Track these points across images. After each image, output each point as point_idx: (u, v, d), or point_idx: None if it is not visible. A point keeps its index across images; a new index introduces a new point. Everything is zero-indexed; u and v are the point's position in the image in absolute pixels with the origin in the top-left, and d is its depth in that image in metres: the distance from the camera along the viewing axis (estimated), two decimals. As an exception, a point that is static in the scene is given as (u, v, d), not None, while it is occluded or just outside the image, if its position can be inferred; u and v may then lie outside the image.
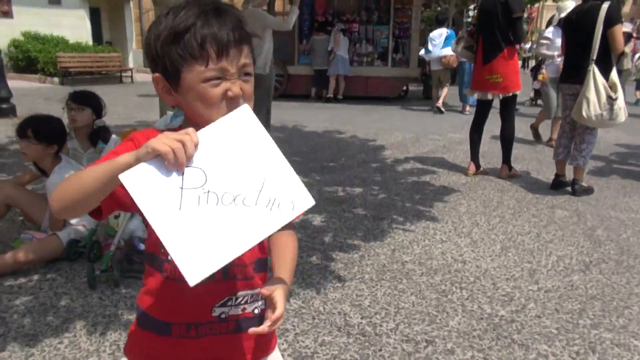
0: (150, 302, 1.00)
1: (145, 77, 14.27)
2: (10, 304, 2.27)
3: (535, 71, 9.94)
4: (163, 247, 0.76)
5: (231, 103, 0.89)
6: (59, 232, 2.72)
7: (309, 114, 8.59)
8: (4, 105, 7.24)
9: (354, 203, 3.90)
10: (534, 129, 6.50)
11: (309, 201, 0.80)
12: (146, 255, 1.02)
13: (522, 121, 6.87)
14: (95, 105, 3.13)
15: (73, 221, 2.77)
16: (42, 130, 2.73)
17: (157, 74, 0.91)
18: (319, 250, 3.00)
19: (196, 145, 0.77)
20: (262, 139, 0.81)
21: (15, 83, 9.73)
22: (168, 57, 0.87)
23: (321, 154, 5.58)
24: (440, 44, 9.20)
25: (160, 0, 3.52)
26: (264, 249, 1.04)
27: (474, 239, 3.26)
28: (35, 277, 2.54)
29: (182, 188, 0.74)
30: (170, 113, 3.03)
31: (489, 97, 4.59)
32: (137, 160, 0.76)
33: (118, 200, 0.87)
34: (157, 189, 0.74)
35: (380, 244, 3.12)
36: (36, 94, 10.07)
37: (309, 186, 4.29)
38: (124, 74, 14.46)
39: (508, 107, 4.65)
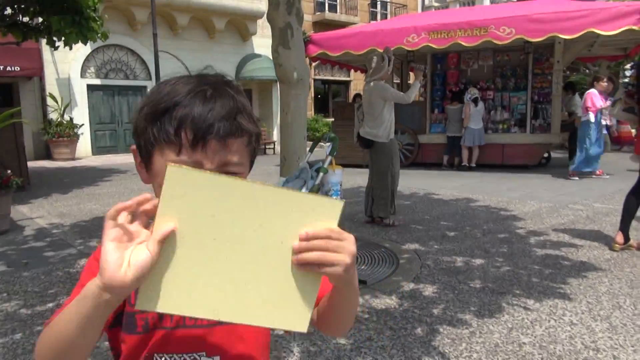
0: None
1: (286, 148, 15.44)
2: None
3: None
4: None
5: None
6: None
7: (439, 181, 8.41)
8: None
9: (471, 275, 3.64)
10: None
11: (301, 326, 0.66)
12: None
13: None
14: None
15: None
16: None
17: (133, 147, 0.82)
18: (425, 322, 2.82)
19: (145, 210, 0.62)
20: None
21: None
22: (143, 136, 0.77)
23: (444, 222, 5.37)
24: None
25: (284, 78, 3.85)
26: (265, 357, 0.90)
27: (613, 324, 2.79)
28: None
29: (214, 216, 0.62)
30: (282, 179, 3.22)
31: None
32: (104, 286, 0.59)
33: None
34: (196, 195, 0.61)
35: (496, 321, 2.83)
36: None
37: (425, 254, 4.17)
38: (267, 146, 15.80)
39: None
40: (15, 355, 2.51)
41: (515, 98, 10.37)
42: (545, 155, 10.63)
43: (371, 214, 5.28)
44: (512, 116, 10.38)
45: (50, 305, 3.15)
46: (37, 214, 6.08)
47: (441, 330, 2.72)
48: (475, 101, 9.90)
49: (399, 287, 3.39)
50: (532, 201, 6.47)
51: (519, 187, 7.73)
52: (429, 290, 3.34)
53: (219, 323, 0.78)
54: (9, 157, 7.61)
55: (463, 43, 8.85)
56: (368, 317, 2.89)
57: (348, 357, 2.43)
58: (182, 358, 0.81)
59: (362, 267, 3.83)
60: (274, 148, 15.78)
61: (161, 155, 0.75)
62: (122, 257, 0.59)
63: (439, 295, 3.23)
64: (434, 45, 9.15)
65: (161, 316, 0.81)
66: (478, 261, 3.96)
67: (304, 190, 3.00)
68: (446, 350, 2.49)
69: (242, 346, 0.84)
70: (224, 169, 0.74)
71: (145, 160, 0.78)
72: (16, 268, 3.99)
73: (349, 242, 0.65)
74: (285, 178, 3.17)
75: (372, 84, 5.13)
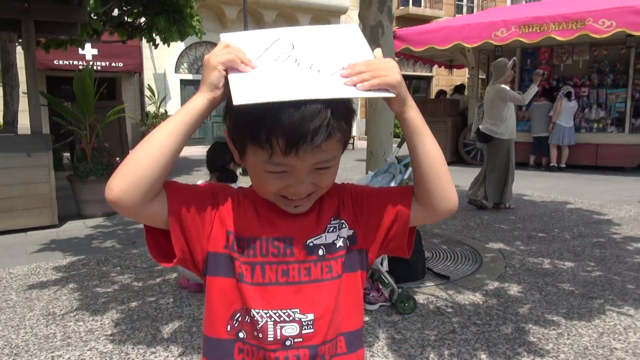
0: None
1: (364, 144, 15.50)
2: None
3: None
4: (229, 325, 0.83)
5: (287, 201, 0.81)
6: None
7: (525, 182, 8.11)
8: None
9: (560, 277, 3.55)
10: None
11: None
12: (206, 345, 0.89)
13: None
14: None
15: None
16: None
17: (226, 131, 0.84)
18: (510, 320, 2.83)
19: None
20: (362, 46, 0.81)
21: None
22: (235, 133, 0.80)
23: (530, 223, 5.22)
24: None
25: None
26: (359, 315, 0.91)
27: None
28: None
29: (267, 49, 0.78)
30: (371, 173, 3.33)
31: None
32: (211, 95, 0.75)
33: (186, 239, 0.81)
34: (245, 44, 0.79)
35: (586, 325, 2.77)
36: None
37: (510, 254, 4.10)
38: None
39: None
40: (132, 320, 2.84)
41: (613, 95, 9.71)
42: (645, 157, 9.86)
43: (475, 199, 5.89)
44: (608, 115, 9.74)
45: (158, 280, 3.50)
46: (139, 198, 6.65)
47: (527, 329, 2.72)
48: (568, 95, 9.39)
49: (483, 285, 3.40)
50: (629, 206, 6.09)
51: (614, 190, 7.29)
52: (514, 289, 3.31)
53: (307, 282, 0.84)
54: (114, 146, 8.36)
55: (557, 37, 8.42)
56: (452, 311, 2.94)
57: (432, 347, 2.51)
58: (277, 314, 0.82)
59: (446, 263, 3.86)
60: (353, 143, 15.91)
61: (254, 154, 0.77)
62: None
63: (525, 295, 3.20)
64: (524, 40, 8.78)
65: (253, 270, 0.82)
66: (567, 264, 3.85)
67: (392, 184, 3.09)
68: (532, 349, 2.49)
69: (332, 303, 0.85)
70: (317, 165, 0.77)
71: (239, 150, 0.82)
72: (125, 246, 4.44)
73: (392, 64, 0.75)
74: (373, 172, 3.28)
75: (495, 86, 5.71)
